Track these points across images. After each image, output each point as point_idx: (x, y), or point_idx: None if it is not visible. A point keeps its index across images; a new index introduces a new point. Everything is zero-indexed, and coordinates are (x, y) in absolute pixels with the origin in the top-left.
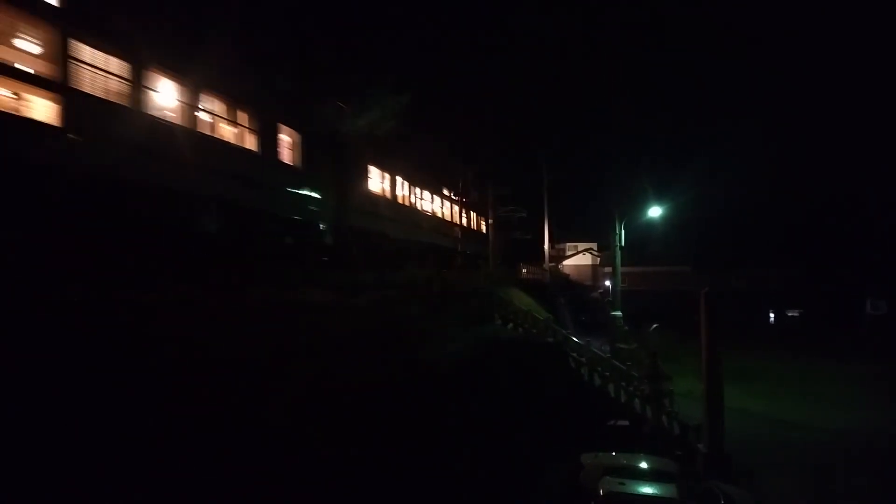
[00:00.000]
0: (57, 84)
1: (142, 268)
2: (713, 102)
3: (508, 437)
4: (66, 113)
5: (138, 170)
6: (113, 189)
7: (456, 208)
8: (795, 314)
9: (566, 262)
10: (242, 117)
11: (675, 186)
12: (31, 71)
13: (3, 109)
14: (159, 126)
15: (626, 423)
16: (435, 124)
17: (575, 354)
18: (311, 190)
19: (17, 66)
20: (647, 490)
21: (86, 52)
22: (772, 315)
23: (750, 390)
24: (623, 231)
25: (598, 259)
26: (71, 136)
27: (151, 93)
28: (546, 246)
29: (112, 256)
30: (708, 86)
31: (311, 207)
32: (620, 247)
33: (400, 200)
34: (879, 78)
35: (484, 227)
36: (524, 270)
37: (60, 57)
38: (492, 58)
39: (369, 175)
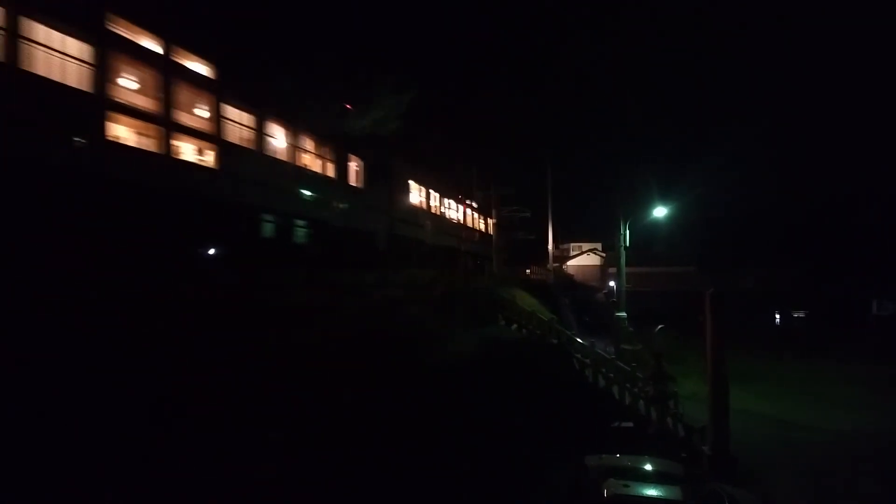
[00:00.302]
0: (213, 136)
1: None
2: (719, 102)
3: (511, 438)
4: (219, 158)
5: (256, 196)
6: (240, 213)
7: (463, 210)
8: (801, 315)
9: (570, 263)
10: (325, 151)
11: (680, 187)
12: (198, 127)
13: (181, 158)
14: (271, 162)
15: (630, 424)
16: (441, 126)
17: (579, 355)
18: (371, 206)
19: (190, 125)
20: (652, 492)
21: (230, 111)
22: (777, 316)
23: (755, 391)
24: (628, 231)
25: (603, 259)
26: (221, 175)
27: (268, 138)
28: (550, 246)
29: (235, 264)
30: (713, 86)
31: (371, 221)
32: (625, 247)
33: (431, 210)
34: (887, 78)
35: (486, 228)
36: (528, 271)
37: (216, 116)
38: (498, 59)
39: (410, 189)
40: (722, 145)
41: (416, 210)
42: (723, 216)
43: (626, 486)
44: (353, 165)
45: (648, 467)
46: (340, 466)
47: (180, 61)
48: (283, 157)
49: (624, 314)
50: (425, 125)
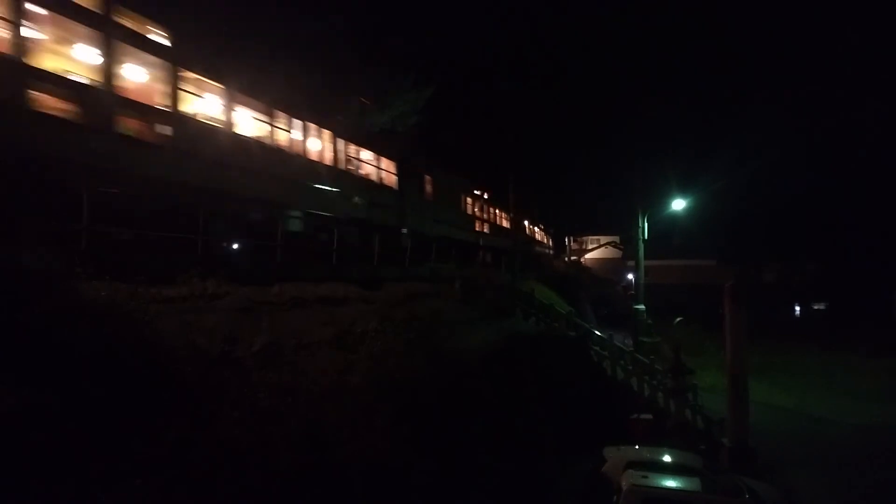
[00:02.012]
0: (485, 220)
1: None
2: (739, 95)
3: (530, 430)
4: (487, 229)
5: (498, 242)
6: (493, 249)
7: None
8: (821, 307)
9: (588, 256)
10: (506, 216)
11: (699, 179)
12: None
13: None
14: (499, 226)
15: (649, 416)
16: (459, 118)
17: (597, 348)
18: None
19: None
20: (671, 483)
21: (489, 208)
22: (797, 308)
23: (774, 384)
24: (646, 224)
25: (621, 252)
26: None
27: (496, 216)
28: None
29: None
30: (734, 78)
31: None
32: (643, 240)
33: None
34: None
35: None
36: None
37: (488, 211)
38: (518, 51)
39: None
40: (744, 137)
41: (526, 236)
42: (744, 208)
43: (645, 477)
44: (526, 222)
45: (667, 459)
46: (349, 459)
47: (481, 193)
48: (498, 223)
49: (642, 307)
50: (444, 118)
